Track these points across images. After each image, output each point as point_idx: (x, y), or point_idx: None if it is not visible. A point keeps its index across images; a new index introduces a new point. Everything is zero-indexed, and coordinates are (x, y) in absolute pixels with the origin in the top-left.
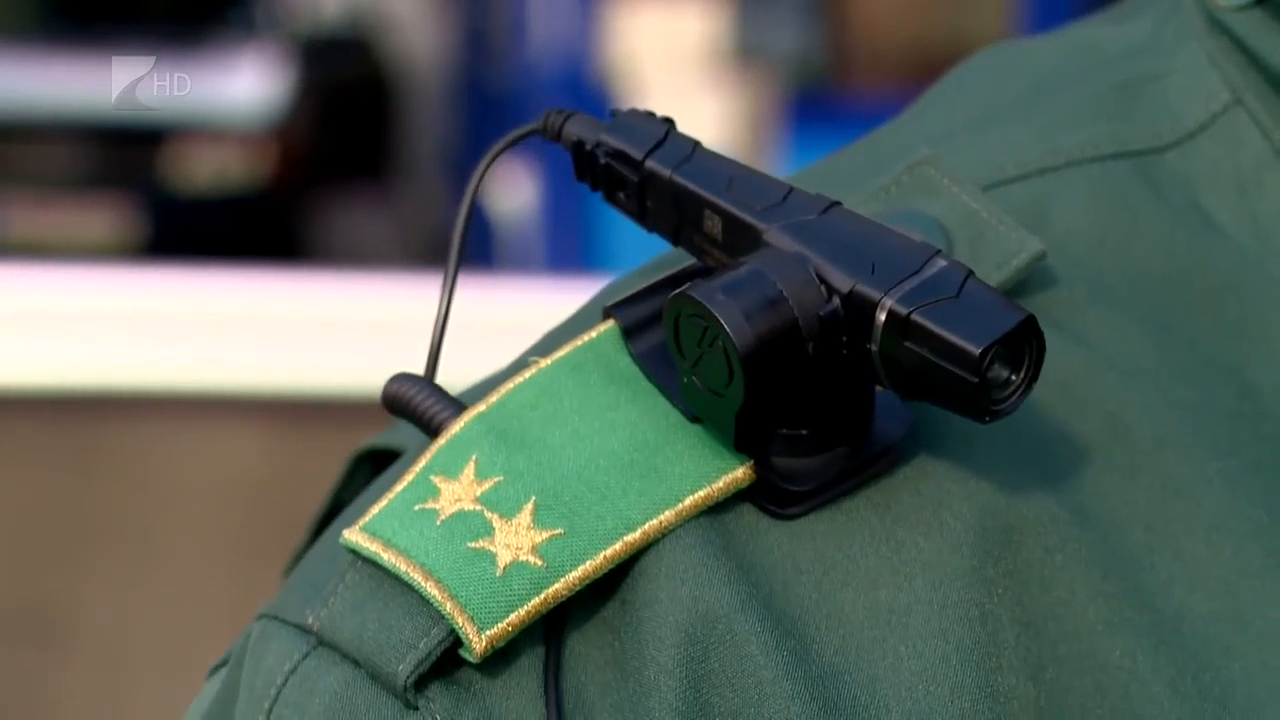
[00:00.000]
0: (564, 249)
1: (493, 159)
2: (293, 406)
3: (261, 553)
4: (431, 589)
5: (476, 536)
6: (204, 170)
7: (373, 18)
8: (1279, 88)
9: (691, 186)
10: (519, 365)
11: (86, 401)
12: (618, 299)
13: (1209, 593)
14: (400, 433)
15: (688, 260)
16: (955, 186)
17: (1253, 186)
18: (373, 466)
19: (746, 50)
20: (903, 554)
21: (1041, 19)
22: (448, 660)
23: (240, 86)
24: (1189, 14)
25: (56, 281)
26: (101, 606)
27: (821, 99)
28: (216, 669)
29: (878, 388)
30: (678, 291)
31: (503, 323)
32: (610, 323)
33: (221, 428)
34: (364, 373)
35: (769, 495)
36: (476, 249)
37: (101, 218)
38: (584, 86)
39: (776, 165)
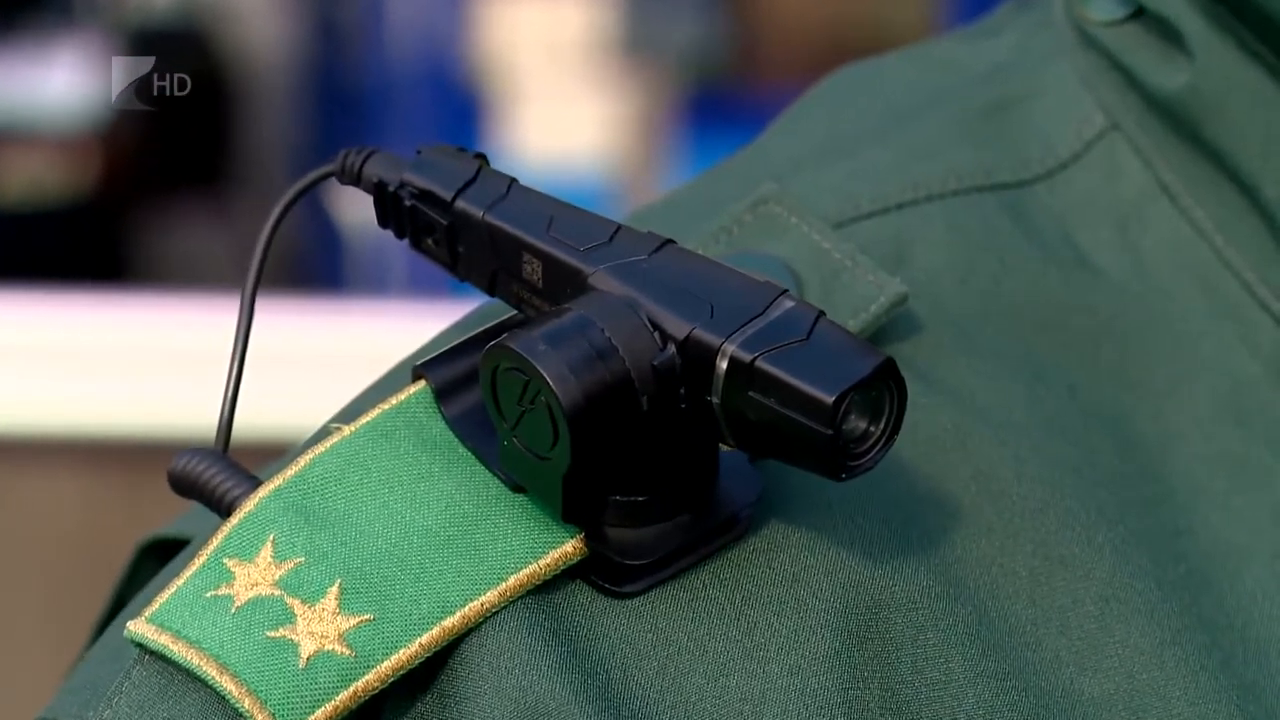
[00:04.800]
0: (427, 267)
1: (285, 209)
2: (120, 449)
3: (83, 618)
4: (227, 684)
5: (276, 625)
6: (16, 180)
7: (211, 6)
8: (1159, 110)
9: (507, 227)
10: (321, 434)
11: None
12: (429, 357)
13: (1101, 673)
14: (192, 520)
15: (508, 313)
16: (804, 224)
17: (1134, 221)
18: (160, 560)
19: (637, 43)
20: (755, 637)
21: (963, 7)
22: None
23: (57, 84)
24: (1058, 29)
25: None
26: None
27: (723, 97)
28: None
29: (723, 447)
30: (494, 343)
31: (357, 354)
32: (421, 384)
33: (37, 475)
34: (202, 411)
35: (603, 571)
36: (325, 269)
37: None
38: (451, 85)
39: (673, 174)
